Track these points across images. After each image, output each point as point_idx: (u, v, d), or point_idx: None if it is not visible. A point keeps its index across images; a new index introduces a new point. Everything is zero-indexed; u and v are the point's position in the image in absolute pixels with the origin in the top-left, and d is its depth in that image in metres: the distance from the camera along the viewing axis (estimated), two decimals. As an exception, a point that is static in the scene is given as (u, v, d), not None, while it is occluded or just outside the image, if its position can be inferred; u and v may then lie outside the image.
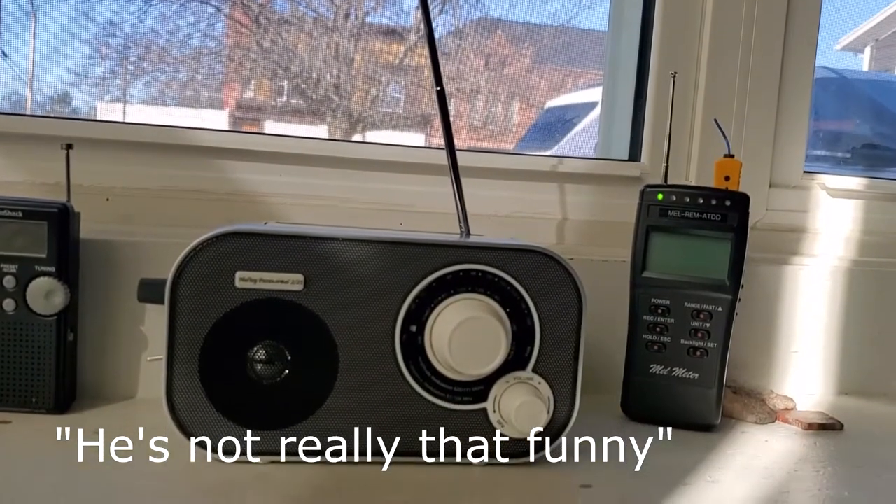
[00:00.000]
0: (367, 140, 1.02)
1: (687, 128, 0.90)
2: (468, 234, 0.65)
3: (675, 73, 0.75)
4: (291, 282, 0.54)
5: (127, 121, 0.80)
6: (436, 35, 0.66)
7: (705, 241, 0.69)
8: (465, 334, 0.53)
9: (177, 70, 0.92)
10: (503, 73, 1.12)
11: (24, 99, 0.90)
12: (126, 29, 0.88)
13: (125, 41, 0.89)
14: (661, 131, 0.82)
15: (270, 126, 1.06)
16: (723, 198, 0.68)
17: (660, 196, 0.69)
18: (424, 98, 1.08)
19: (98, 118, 0.91)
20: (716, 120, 0.77)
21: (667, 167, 0.74)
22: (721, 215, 0.68)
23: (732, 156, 0.75)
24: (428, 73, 1.04)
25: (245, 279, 0.53)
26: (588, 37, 1.09)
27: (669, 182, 0.74)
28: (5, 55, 0.84)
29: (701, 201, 0.68)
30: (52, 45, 0.86)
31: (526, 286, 0.56)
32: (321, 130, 1.02)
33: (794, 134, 0.93)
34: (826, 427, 0.73)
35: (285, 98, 1.03)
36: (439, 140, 0.69)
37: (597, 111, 1.01)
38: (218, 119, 0.99)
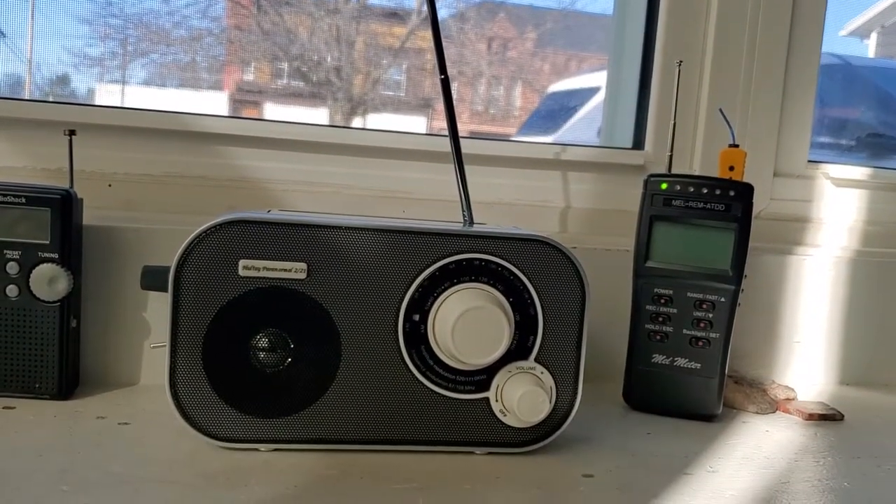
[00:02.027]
0: (369, 123, 1.02)
1: (691, 116, 0.90)
2: (472, 222, 0.65)
3: (681, 61, 0.74)
4: (295, 270, 0.54)
5: (129, 106, 0.80)
6: (438, 18, 0.65)
7: (709, 230, 0.69)
8: (468, 324, 0.53)
9: (176, 51, 0.92)
10: (506, 57, 1.11)
11: (23, 79, 0.89)
12: (125, 9, 0.88)
13: (124, 21, 0.89)
14: (666, 120, 0.82)
15: (270, 108, 1.05)
16: (727, 188, 0.68)
17: (664, 185, 0.69)
18: (426, 81, 1.07)
19: (100, 103, 0.91)
20: (721, 110, 0.77)
21: (671, 156, 0.74)
22: (725, 205, 0.68)
23: (737, 145, 0.75)
24: (430, 56, 1.04)
25: (248, 267, 0.53)
26: (591, 21, 1.09)
27: (673, 171, 0.74)
28: (3, 34, 0.84)
29: (705, 191, 0.68)
30: (50, 24, 0.85)
31: (529, 276, 0.56)
32: (322, 113, 1.01)
33: (799, 123, 0.93)
34: (826, 417, 0.73)
35: (286, 80, 1.03)
36: (440, 124, 0.68)
37: (599, 96, 1.01)
38: (217, 101, 0.99)
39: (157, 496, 0.48)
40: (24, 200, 0.60)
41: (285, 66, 1.01)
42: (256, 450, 0.54)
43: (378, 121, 1.04)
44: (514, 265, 0.56)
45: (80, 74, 0.90)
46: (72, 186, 0.63)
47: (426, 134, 0.92)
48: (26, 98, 0.86)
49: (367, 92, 1.01)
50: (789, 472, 0.59)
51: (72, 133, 0.64)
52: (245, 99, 1.04)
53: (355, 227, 0.54)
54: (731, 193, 0.68)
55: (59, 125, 0.69)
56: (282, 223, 0.54)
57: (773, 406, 0.74)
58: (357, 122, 1.02)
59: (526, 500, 0.51)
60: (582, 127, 1.19)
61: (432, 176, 0.83)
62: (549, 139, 1.19)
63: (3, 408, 0.60)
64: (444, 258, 0.55)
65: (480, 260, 0.55)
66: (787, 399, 0.76)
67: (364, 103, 1.01)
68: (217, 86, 0.97)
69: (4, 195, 0.60)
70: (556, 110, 1.19)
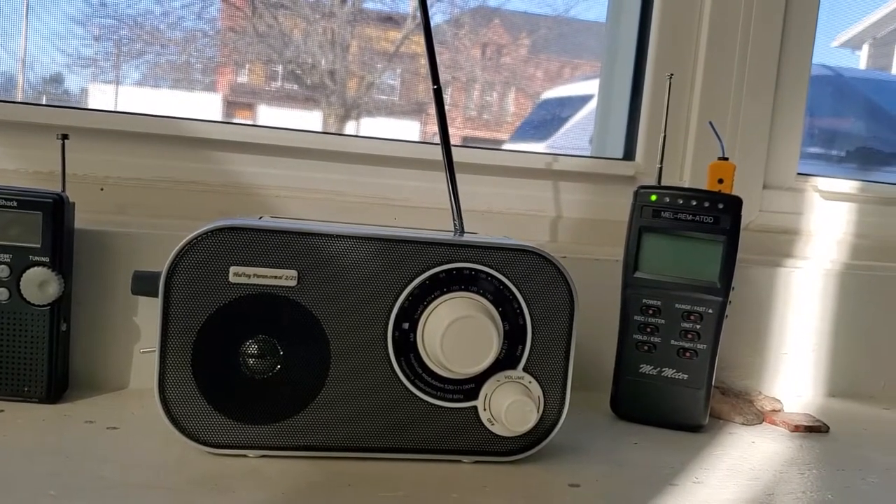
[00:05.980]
0: (362, 127, 1.02)
1: (682, 128, 0.90)
2: (462, 231, 0.65)
3: (672, 74, 0.75)
4: (285, 277, 0.54)
5: (122, 110, 0.80)
6: (432, 23, 0.66)
7: (697, 243, 0.69)
8: (457, 333, 0.53)
9: (170, 52, 0.92)
10: (500, 63, 1.12)
11: (16, 78, 0.89)
12: (119, 10, 0.88)
13: (118, 22, 0.89)
14: (656, 131, 0.82)
15: (264, 110, 1.06)
16: (716, 200, 0.69)
17: (653, 197, 0.70)
18: (420, 86, 1.08)
19: (93, 104, 0.91)
20: (711, 123, 0.77)
21: (661, 169, 0.74)
22: (714, 218, 0.69)
23: (727, 158, 0.75)
24: (424, 61, 1.04)
25: (239, 274, 0.53)
26: (585, 28, 1.10)
27: (663, 183, 0.74)
28: (-3, 33, 0.84)
29: (694, 203, 0.69)
30: (44, 24, 0.85)
31: (518, 286, 0.57)
32: (315, 116, 1.02)
33: (789, 136, 0.93)
34: (812, 429, 0.73)
35: (280, 83, 1.03)
36: (434, 128, 0.69)
37: (592, 104, 1.01)
38: (211, 102, 0.99)
39: (144, 501, 0.48)
40: (15, 204, 0.60)
41: (279, 68, 1.01)
42: (244, 456, 0.55)
43: (372, 125, 1.04)
44: (503, 275, 0.56)
45: (74, 74, 0.90)
46: (64, 190, 0.63)
47: (419, 142, 0.93)
48: (19, 100, 0.86)
49: (361, 96, 1.02)
50: (774, 484, 0.60)
51: (64, 137, 0.64)
52: (238, 101, 1.05)
53: (346, 235, 0.55)
54: (720, 206, 0.69)
55: (52, 128, 0.69)
56: (273, 230, 0.54)
57: (759, 417, 0.75)
58: (351, 125, 1.02)
59: (512, 510, 0.52)
60: (575, 134, 1.19)
61: (425, 183, 0.84)
62: (542, 146, 1.20)
63: (-8, 411, 0.60)
64: (435, 267, 0.55)
65: (470, 269, 0.56)
66: (774, 410, 0.76)
67: (358, 107, 1.01)
68: (210, 87, 0.97)
69: (-4, 198, 0.60)
70: (549, 117, 1.19)
